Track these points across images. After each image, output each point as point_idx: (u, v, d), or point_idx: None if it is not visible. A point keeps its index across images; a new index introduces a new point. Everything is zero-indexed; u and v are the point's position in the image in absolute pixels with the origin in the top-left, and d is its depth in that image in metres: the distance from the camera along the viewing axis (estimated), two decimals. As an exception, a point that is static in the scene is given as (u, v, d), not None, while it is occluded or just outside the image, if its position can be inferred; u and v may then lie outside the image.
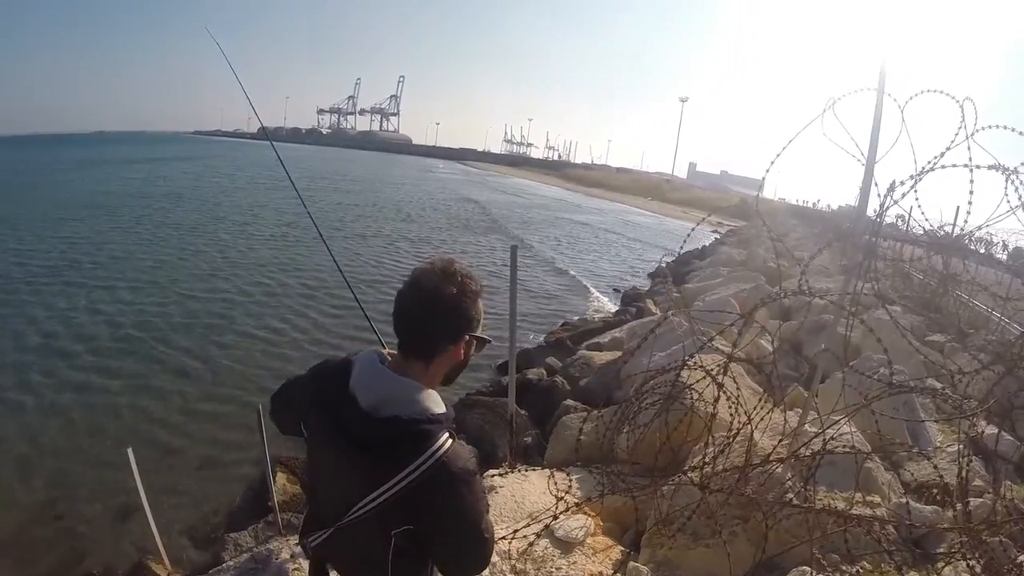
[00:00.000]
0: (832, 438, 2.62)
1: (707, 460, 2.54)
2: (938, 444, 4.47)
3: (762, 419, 2.82)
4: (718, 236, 28.76)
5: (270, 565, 3.19)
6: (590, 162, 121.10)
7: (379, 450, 1.21)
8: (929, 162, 2.67)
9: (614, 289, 15.69)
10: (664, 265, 18.43)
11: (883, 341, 2.84)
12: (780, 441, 2.93)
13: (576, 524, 3.01)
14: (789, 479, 2.72)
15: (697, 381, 2.97)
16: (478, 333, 1.39)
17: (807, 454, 2.47)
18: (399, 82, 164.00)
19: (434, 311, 1.29)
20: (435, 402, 1.30)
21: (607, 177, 73.41)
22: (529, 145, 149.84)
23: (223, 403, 7.06)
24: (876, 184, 3.17)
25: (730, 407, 2.80)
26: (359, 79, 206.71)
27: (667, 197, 53.51)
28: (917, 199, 2.93)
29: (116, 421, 6.46)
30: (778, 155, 3.08)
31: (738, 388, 3.02)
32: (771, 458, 2.61)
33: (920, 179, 2.80)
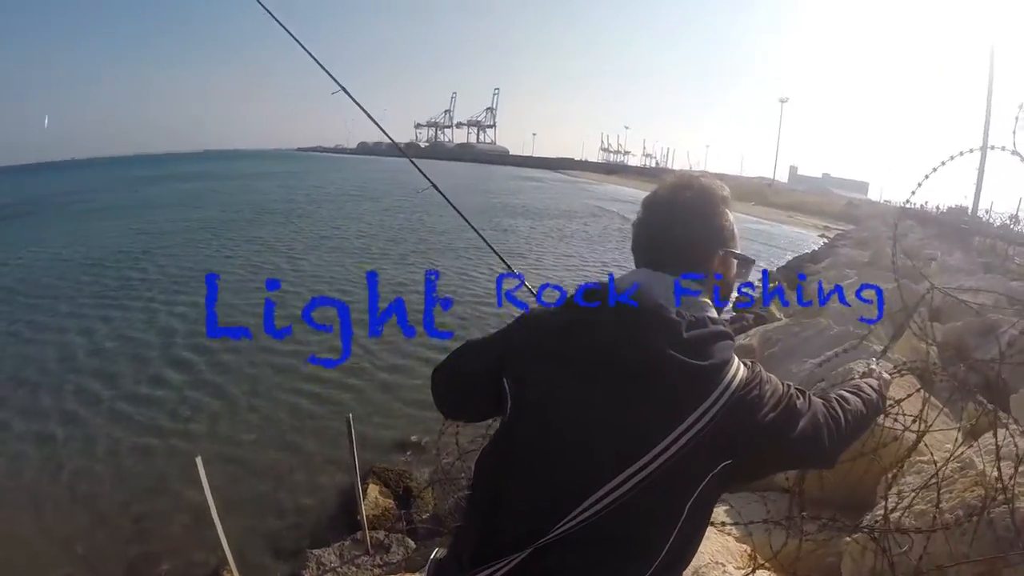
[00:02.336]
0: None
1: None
2: None
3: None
4: (826, 240, 27.68)
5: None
6: (688, 168, 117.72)
7: (692, 360, 0.94)
8: None
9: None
10: (775, 270, 17.26)
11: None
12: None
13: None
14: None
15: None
16: (736, 250, 1.12)
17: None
18: (494, 94, 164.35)
19: (674, 222, 1.08)
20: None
21: (706, 182, 70.72)
22: (626, 153, 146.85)
23: (314, 410, 6.90)
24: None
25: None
26: (455, 93, 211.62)
27: (770, 201, 50.80)
28: None
29: (198, 429, 6.43)
30: (935, 167, 2.20)
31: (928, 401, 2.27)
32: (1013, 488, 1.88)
33: None
